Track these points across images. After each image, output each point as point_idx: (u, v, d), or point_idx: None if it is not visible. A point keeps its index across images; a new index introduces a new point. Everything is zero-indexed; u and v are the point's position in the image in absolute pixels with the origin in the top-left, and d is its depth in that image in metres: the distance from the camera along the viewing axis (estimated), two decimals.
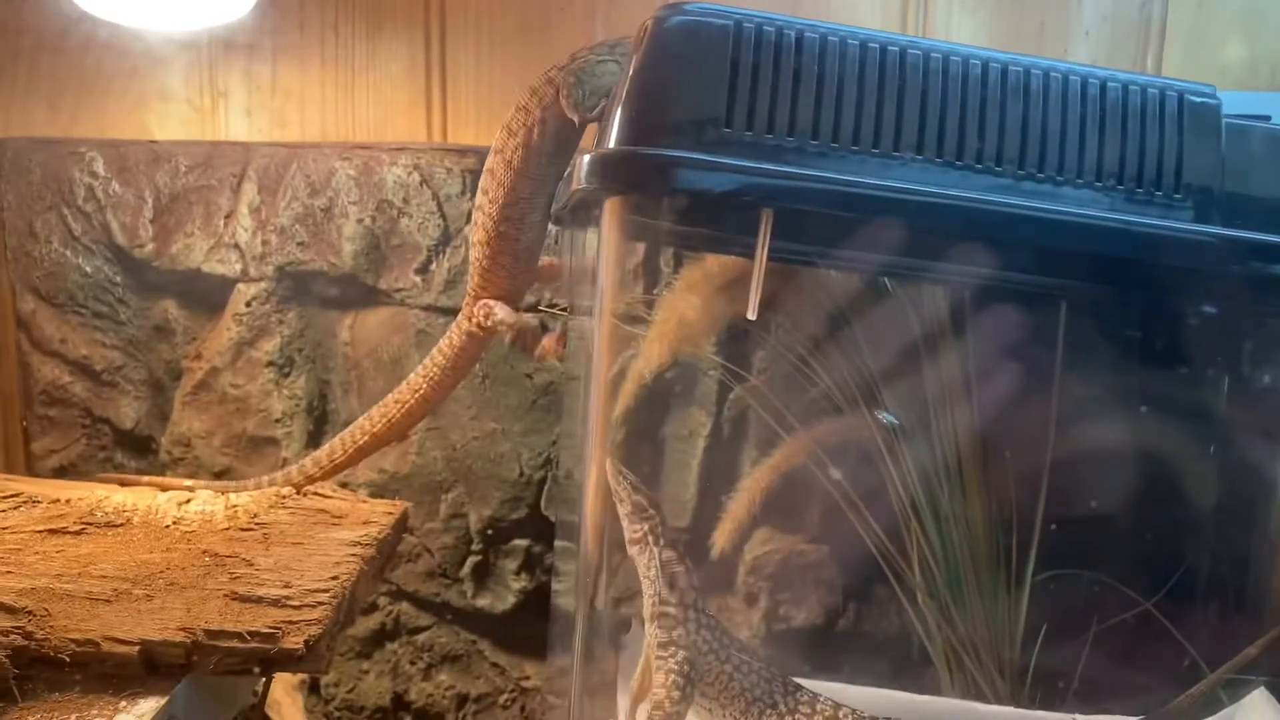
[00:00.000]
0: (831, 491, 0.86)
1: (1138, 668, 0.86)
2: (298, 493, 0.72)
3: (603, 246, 0.49)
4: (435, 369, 0.74)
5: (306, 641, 0.50)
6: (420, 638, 0.93)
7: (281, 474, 0.77)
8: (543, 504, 0.90)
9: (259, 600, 0.54)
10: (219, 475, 0.90)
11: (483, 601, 0.92)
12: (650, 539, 0.59)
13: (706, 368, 0.88)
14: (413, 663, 0.93)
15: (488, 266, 0.70)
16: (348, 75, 0.92)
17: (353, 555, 0.60)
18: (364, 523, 0.66)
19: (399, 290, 0.89)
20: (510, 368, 0.88)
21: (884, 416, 0.82)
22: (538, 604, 0.91)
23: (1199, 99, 0.47)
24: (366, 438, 0.75)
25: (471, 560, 0.91)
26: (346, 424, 0.79)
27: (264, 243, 0.89)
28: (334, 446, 0.76)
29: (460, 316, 0.74)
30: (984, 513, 0.84)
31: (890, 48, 0.46)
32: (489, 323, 0.70)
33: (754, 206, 0.45)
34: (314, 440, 0.90)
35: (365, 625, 0.92)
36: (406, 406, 0.75)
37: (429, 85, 0.91)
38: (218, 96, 0.92)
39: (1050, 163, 0.46)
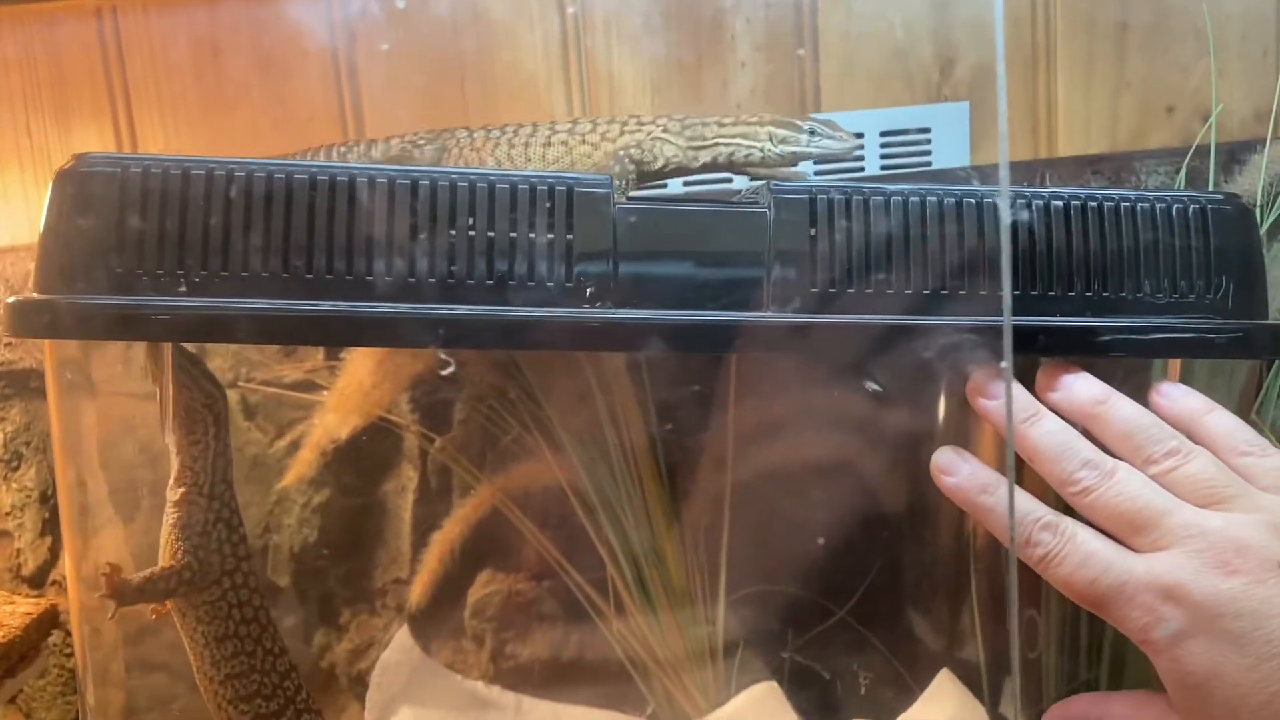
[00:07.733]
0: (535, 534, 0.89)
1: (843, 674, 0.89)
2: None
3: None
4: None
5: None
6: None
7: None
8: (269, 569, 0.93)
9: None
10: None
11: None
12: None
13: (405, 426, 0.91)
14: None
15: None
16: (46, 173, 0.94)
17: None
18: None
19: (104, 380, 0.91)
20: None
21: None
22: None
23: (589, 190, 0.49)
24: None
25: None
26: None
27: None
28: None
29: None
30: (673, 542, 0.86)
31: (275, 174, 0.48)
32: None
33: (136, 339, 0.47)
34: (49, 528, 0.94)
35: None
36: None
37: None
38: None
39: (458, 268, 0.49)
